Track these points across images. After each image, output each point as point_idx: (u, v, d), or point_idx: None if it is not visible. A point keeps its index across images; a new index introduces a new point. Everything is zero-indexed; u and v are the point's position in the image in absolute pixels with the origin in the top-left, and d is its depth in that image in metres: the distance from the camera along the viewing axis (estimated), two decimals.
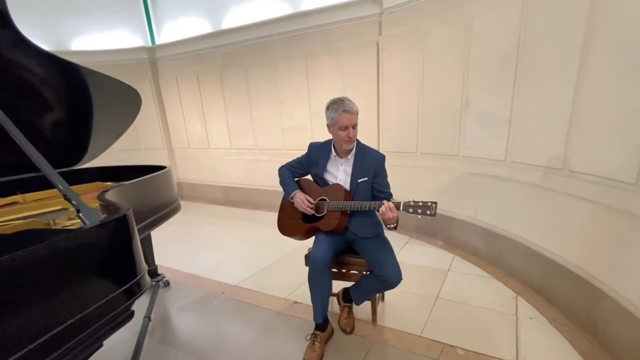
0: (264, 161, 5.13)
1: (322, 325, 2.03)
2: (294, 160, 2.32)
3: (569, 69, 2.10)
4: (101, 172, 3.00)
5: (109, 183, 2.79)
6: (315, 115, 4.47)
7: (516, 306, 2.28)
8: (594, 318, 1.93)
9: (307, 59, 4.37)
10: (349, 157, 2.08)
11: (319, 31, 4.21)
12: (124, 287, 1.28)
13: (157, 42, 5.98)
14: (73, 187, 2.40)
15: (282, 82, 4.65)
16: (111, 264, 1.28)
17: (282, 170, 2.31)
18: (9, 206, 2.05)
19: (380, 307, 2.36)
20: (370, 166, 2.05)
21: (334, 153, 2.12)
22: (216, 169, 5.76)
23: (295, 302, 2.54)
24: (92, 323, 1.13)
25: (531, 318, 2.15)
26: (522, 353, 1.87)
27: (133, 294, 1.34)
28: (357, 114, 1.99)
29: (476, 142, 2.92)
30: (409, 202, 1.78)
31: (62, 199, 1.93)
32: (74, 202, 1.29)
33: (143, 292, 1.38)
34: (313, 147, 2.25)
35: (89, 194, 2.43)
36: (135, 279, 1.34)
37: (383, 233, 2.14)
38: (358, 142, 2.09)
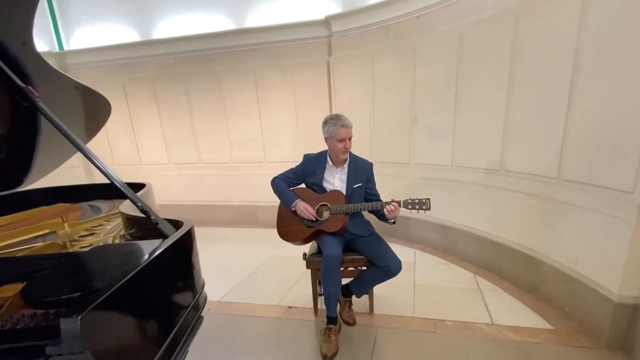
0: (210, 175, 4.99)
1: (335, 319, 2.21)
2: (287, 170, 2.47)
3: (499, 94, 2.73)
4: (54, 192, 2.65)
5: (70, 204, 2.50)
6: (267, 128, 4.59)
7: (477, 283, 2.81)
8: (536, 282, 2.53)
9: (256, 73, 4.48)
10: (344, 166, 2.34)
11: (268, 48, 4.37)
12: (200, 293, 1.33)
13: (67, 47, 5.36)
14: (36, 210, 2.17)
15: (229, 95, 4.65)
16: (190, 269, 1.32)
17: (277, 181, 2.44)
18: None
19: (366, 299, 2.62)
20: (363, 173, 2.35)
21: (330, 163, 2.35)
22: None
23: (290, 307, 2.64)
24: (188, 325, 1.18)
25: (491, 290, 2.69)
26: (493, 316, 2.36)
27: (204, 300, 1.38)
28: (351, 127, 2.26)
29: (425, 151, 3.46)
30: (407, 199, 2.13)
31: (49, 222, 1.78)
32: (152, 217, 1.27)
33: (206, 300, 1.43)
34: (308, 158, 2.44)
35: (55, 216, 2.16)
36: (203, 287, 1.39)
37: (375, 230, 2.43)
38: (350, 152, 2.36)
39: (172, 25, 4.86)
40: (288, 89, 4.40)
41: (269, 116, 4.56)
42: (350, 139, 2.25)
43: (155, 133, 5.11)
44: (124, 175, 4.79)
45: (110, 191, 2.70)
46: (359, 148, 3.95)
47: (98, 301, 0.77)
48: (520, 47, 2.55)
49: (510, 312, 2.40)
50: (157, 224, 1.28)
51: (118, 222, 2.03)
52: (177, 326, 1.11)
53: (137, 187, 2.59)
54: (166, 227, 1.29)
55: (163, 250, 1.11)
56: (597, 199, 2.08)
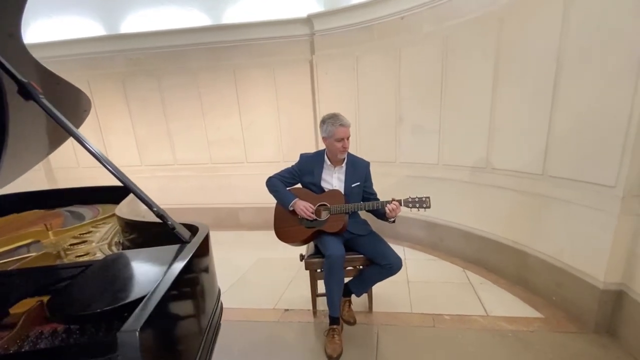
0: (187, 177, 4.79)
1: (338, 319, 2.19)
2: (283, 170, 2.42)
3: (484, 93, 2.83)
4: (24, 198, 2.41)
5: (45, 211, 2.29)
6: (248, 127, 4.47)
7: (467, 277, 2.91)
8: (524, 273, 2.66)
9: (235, 70, 4.35)
10: (342, 165, 2.33)
11: (248, 45, 4.26)
12: (218, 299, 1.27)
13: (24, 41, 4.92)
14: (7, 218, 1.98)
15: (206, 92, 4.49)
16: (210, 275, 1.26)
17: (273, 181, 2.38)
18: None
19: (364, 298, 2.62)
20: (361, 172, 2.35)
21: (328, 162, 2.33)
22: None
23: (287, 310, 2.59)
24: (213, 332, 1.13)
25: (481, 283, 2.79)
26: (487, 307, 2.45)
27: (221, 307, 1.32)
28: (350, 127, 2.26)
29: (411, 150, 3.53)
30: (408, 198, 2.16)
31: (32, 231, 1.62)
32: (169, 222, 1.18)
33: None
34: (305, 157, 2.41)
35: (33, 224, 1.97)
36: (220, 294, 1.33)
37: (373, 229, 2.44)
38: (347, 152, 2.36)
39: (141, 20, 4.61)
40: (269, 87, 4.31)
41: (249, 115, 4.45)
42: (348, 138, 2.24)
43: (125, 133, 4.83)
44: (89, 179, 4.47)
45: (89, 195, 2.51)
46: None
47: (150, 312, 0.70)
48: (505, 48, 2.66)
49: (502, 303, 2.50)
50: (174, 228, 1.20)
51: (109, 227, 1.88)
52: (205, 333, 1.05)
53: (124, 190, 2.42)
54: (183, 233, 1.21)
55: (190, 257, 1.04)
56: (581, 193, 2.21)
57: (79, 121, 2.21)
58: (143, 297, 0.80)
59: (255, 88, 4.36)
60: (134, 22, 4.62)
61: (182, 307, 0.94)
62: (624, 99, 1.91)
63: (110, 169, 1.16)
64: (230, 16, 4.38)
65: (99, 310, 0.78)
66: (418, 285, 2.80)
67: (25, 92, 1.02)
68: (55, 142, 2.40)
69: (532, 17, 2.45)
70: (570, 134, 2.27)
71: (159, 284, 0.84)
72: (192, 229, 1.33)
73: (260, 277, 3.16)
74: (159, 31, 4.40)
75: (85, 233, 1.81)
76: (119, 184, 2.91)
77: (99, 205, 2.37)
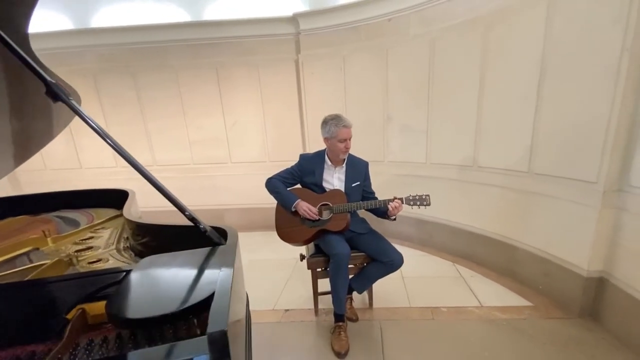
0: (167, 178, 4.56)
1: (343, 316, 2.22)
2: (283, 171, 2.41)
3: (471, 95, 2.96)
4: (9, 203, 2.23)
5: (32, 217, 2.13)
6: (232, 126, 4.38)
7: (457, 270, 3.03)
8: (511, 266, 2.82)
9: (218, 68, 4.25)
10: (342, 165, 2.36)
11: (231, 43, 4.18)
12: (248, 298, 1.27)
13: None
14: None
15: (187, 91, 4.35)
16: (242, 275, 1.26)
17: (273, 182, 2.37)
18: None
19: (363, 295, 2.67)
20: (361, 172, 2.40)
21: (329, 162, 2.35)
22: None
23: (287, 310, 2.59)
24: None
25: (472, 276, 2.92)
26: (480, 298, 2.58)
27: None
28: (351, 127, 2.30)
29: (400, 149, 3.62)
30: (409, 196, 2.23)
31: (30, 238, 1.54)
32: (201, 226, 1.16)
33: None
34: (305, 158, 2.41)
35: (21, 231, 1.83)
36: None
37: (372, 227, 2.49)
38: None
39: (114, 14, 4.39)
40: (254, 86, 4.25)
41: (233, 114, 4.36)
42: (350, 138, 2.28)
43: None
44: (62, 181, 4.21)
45: (75, 200, 2.38)
46: None
47: (229, 311, 0.70)
48: (491, 52, 2.79)
49: (493, 294, 2.64)
50: (206, 231, 1.19)
51: (110, 232, 1.79)
52: (246, 328, 1.07)
53: (117, 193, 2.31)
54: (214, 236, 1.20)
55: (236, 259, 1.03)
56: (565, 189, 2.37)
57: (42, 122, 2.09)
58: (205, 299, 0.80)
59: (239, 87, 4.28)
60: (106, 16, 4.39)
61: (236, 305, 0.94)
62: (604, 100, 2.06)
63: (152, 178, 1.12)
64: (211, 13, 4.27)
65: (169, 312, 0.76)
66: (413, 281, 2.89)
67: (53, 93, 0.96)
68: (29, 149, 2.25)
69: (517, 23, 2.59)
70: (554, 134, 2.43)
71: (217, 284, 0.84)
72: (220, 232, 1.31)
73: (254, 279, 3.12)
74: (134, 26, 4.21)
75: (87, 239, 1.71)
76: (103, 187, 2.78)
77: (90, 209, 2.24)
